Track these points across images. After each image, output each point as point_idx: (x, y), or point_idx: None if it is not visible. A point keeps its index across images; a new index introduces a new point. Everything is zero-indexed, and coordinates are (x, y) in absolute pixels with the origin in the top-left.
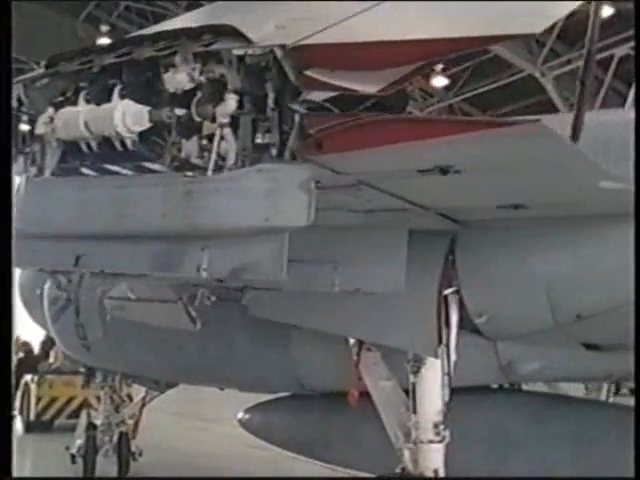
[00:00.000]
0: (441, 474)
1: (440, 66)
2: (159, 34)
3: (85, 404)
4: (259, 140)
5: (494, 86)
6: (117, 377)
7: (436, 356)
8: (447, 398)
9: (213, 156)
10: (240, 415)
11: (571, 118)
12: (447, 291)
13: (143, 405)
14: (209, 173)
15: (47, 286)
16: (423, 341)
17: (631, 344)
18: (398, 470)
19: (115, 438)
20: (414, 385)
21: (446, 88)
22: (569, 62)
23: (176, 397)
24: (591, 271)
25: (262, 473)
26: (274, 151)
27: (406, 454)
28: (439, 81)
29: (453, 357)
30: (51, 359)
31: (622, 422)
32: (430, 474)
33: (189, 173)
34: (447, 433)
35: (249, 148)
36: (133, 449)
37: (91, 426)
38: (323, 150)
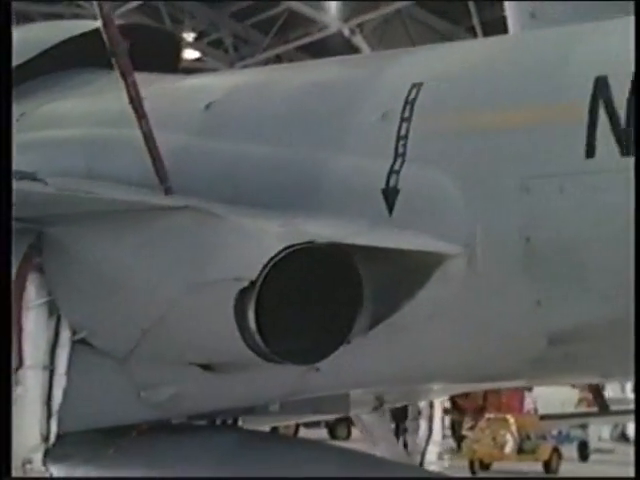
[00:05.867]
0: None
1: None
2: None
3: None
4: None
5: None
6: None
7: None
8: (50, 433)
9: None
10: None
11: None
12: (38, 301)
13: None
14: None
15: None
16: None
17: (248, 363)
18: None
19: None
20: None
21: None
22: None
23: None
24: (130, 280)
25: None
26: None
27: None
28: None
29: (61, 383)
30: None
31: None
32: None
33: None
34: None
35: None
36: None
37: None
38: None
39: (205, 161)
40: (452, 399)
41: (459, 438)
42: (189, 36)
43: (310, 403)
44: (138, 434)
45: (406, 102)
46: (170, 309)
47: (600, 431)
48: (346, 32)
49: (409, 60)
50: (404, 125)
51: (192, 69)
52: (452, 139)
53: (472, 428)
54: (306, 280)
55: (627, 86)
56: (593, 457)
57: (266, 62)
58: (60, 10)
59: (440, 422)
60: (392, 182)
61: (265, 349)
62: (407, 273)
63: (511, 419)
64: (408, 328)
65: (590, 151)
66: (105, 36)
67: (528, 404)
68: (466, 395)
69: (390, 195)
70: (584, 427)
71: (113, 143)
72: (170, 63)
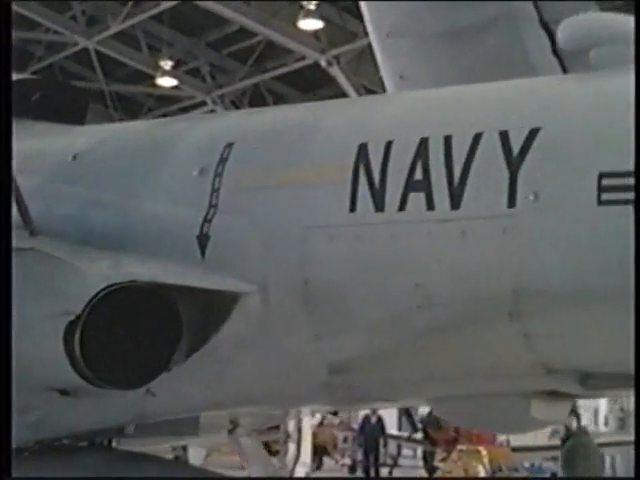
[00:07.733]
0: None
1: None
2: None
3: None
4: None
5: None
6: None
7: None
8: None
9: None
10: None
11: None
12: None
13: None
14: None
15: None
16: None
17: (100, 392)
18: None
19: None
20: None
21: None
22: None
23: None
24: None
25: None
26: None
27: None
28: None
29: None
30: None
31: None
32: None
33: None
34: None
35: None
36: None
37: None
38: None
39: (68, 206)
40: (424, 431)
41: (431, 470)
42: (166, 64)
43: (164, 426)
44: (30, 454)
45: (220, 159)
46: (22, 340)
47: None
48: (323, 63)
49: (226, 122)
50: (217, 180)
51: (169, 96)
52: (252, 193)
53: (444, 460)
54: (131, 314)
55: (381, 152)
56: None
57: (243, 91)
58: (38, 36)
59: (309, 445)
60: (205, 229)
61: (90, 375)
62: (214, 309)
63: (483, 451)
64: (218, 358)
65: (353, 206)
66: None
67: (500, 436)
68: (438, 427)
69: (203, 241)
70: (556, 459)
71: None
72: (77, 116)
